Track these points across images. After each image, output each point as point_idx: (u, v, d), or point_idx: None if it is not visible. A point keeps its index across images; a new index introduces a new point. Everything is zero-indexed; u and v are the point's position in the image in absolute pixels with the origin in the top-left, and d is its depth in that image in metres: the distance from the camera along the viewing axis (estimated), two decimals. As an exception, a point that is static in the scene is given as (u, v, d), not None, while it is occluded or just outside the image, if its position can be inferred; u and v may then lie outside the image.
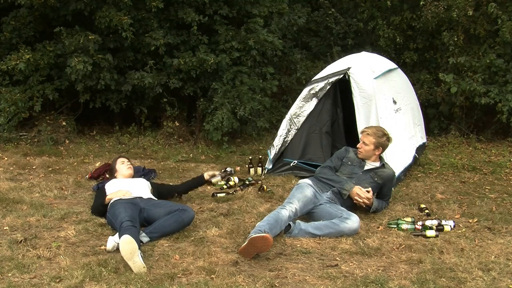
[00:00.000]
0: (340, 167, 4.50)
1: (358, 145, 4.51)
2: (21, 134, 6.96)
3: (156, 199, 4.27)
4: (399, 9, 8.69)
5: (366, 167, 4.46)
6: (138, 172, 5.21)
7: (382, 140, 4.43)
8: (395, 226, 4.12)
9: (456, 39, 7.75)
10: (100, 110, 7.37)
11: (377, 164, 4.50)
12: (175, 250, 3.59)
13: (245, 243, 3.50)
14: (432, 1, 7.68)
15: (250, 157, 5.96)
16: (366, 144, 4.43)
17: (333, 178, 4.36)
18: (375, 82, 5.23)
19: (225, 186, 5.16)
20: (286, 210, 3.90)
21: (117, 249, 3.43)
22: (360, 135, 4.59)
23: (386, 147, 4.51)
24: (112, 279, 3.12)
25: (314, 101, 5.46)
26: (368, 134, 4.44)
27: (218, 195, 4.79)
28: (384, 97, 5.35)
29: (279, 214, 3.84)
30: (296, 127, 5.53)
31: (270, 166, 5.60)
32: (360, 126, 5.16)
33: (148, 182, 4.60)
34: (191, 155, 6.58)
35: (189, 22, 6.94)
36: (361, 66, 5.37)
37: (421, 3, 7.77)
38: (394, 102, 5.57)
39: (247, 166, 5.78)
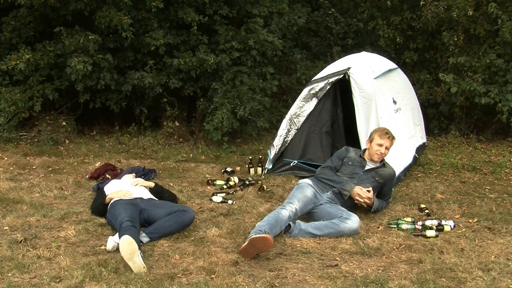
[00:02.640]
0: (341, 167, 4.49)
1: (379, 151, 4.38)
2: (21, 134, 6.96)
3: (156, 199, 4.27)
4: (399, 9, 8.69)
5: (367, 167, 4.46)
6: (138, 172, 5.22)
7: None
8: (395, 226, 4.12)
9: (456, 39, 7.75)
10: (100, 110, 7.37)
11: (378, 163, 4.50)
12: (175, 250, 3.59)
13: (245, 243, 3.51)
14: (432, 1, 7.67)
15: (250, 157, 5.96)
16: (388, 148, 4.44)
17: (334, 179, 4.36)
18: (375, 82, 5.23)
19: (225, 186, 5.16)
20: (286, 210, 3.90)
21: (117, 249, 3.43)
22: (381, 140, 4.39)
23: None
24: (112, 279, 3.12)
25: (314, 101, 5.47)
26: (394, 139, 4.46)
27: (218, 195, 4.78)
28: (384, 97, 5.35)
29: (279, 214, 3.84)
30: (296, 127, 5.53)
31: (270, 166, 5.60)
32: (360, 126, 5.16)
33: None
34: (191, 155, 6.57)
35: (189, 22, 6.94)
36: (361, 66, 5.37)
37: (421, 3, 7.77)
38: (394, 102, 5.57)
39: (247, 166, 5.77)
